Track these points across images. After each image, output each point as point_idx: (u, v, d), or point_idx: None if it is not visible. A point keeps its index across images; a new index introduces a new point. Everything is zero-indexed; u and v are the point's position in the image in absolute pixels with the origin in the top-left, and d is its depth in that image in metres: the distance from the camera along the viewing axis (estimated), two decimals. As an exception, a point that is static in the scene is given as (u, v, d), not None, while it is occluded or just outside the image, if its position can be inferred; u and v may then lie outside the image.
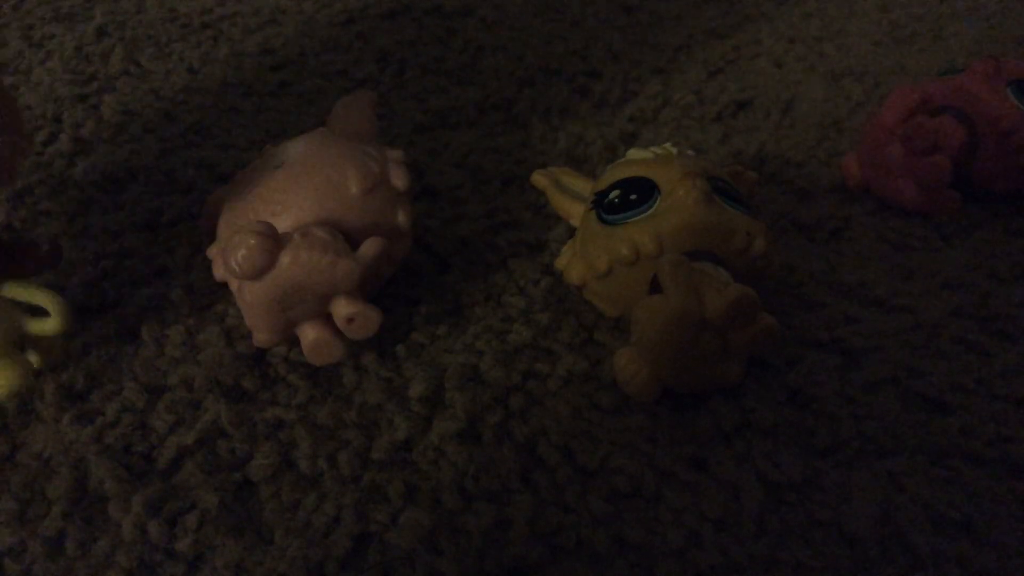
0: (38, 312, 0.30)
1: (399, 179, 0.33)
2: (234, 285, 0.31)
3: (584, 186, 0.38)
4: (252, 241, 0.28)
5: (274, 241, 0.29)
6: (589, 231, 0.34)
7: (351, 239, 0.31)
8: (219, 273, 0.32)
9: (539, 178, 0.39)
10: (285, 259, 0.29)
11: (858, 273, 0.38)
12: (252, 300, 0.30)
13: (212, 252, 0.33)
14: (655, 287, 0.31)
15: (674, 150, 0.36)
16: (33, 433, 0.29)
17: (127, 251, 0.38)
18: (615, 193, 0.33)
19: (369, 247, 0.31)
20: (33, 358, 0.31)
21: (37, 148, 0.45)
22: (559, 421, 0.30)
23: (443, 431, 0.30)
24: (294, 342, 0.32)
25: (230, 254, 0.29)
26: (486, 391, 0.31)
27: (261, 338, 0.31)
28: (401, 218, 0.33)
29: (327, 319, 0.31)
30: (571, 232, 0.37)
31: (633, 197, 0.33)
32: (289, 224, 0.31)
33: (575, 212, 0.37)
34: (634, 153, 0.37)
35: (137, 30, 0.57)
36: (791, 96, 0.53)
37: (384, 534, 0.27)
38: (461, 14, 0.62)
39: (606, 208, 0.33)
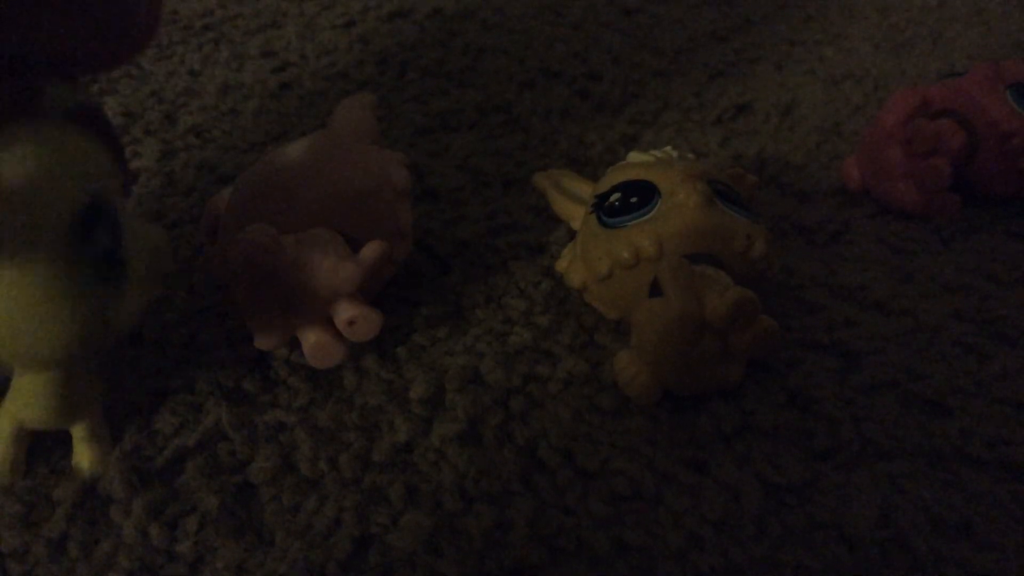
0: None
1: (400, 181, 0.34)
2: (235, 288, 0.31)
3: (585, 188, 0.38)
4: (253, 244, 0.29)
5: (275, 244, 0.29)
6: (589, 234, 0.34)
7: (352, 241, 0.32)
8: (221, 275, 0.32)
9: (540, 180, 0.40)
10: (286, 262, 0.29)
11: (858, 276, 0.38)
12: (253, 303, 0.30)
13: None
14: (655, 290, 0.31)
15: (674, 153, 0.37)
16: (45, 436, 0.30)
17: (128, 253, 0.38)
18: (615, 196, 0.34)
19: (370, 250, 0.31)
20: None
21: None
22: (559, 423, 0.30)
23: (444, 433, 0.30)
24: (295, 344, 0.32)
25: (231, 257, 0.29)
26: (487, 393, 0.31)
27: (262, 341, 0.31)
28: (402, 220, 0.33)
29: (328, 321, 0.31)
30: (572, 235, 0.38)
31: (633, 200, 0.33)
32: (290, 226, 0.31)
33: (576, 214, 0.37)
34: (634, 156, 0.37)
35: (138, 32, 0.57)
36: (791, 99, 0.53)
37: (385, 536, 0.27)
38: (462, 17, 0.62)
39: (606, 211, 0.33)
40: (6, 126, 0.20)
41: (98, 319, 0.22)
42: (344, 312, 0.30)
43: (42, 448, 0.29)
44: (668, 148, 0.37)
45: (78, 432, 0.28)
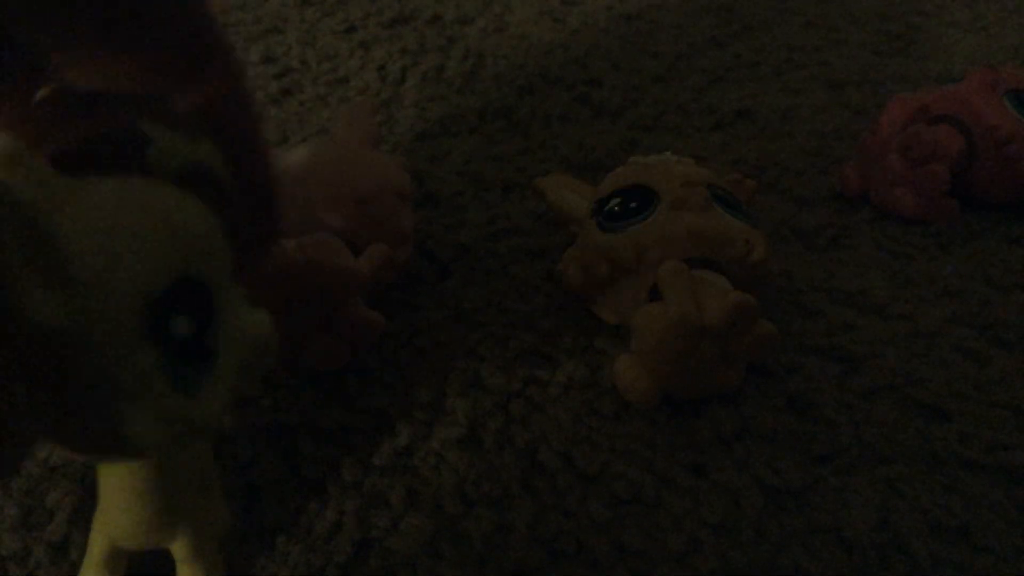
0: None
1: (401, 186, 0.34)
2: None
3: (584, 193, 0.38)
4: (255, 248, 0.29)
5: (277, 248, 0.29)
6: (589, 238, 0.34)
7: (353, 245, 0.32)
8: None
9: (540, 185, 0.40)
10: (288, 266, 0.29)
11: (857, 280, 0.38)
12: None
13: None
14: (655, 294, 0.31)
15: (674, 158, 0.37)
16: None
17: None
18: (615, 201, 0.34)
19: (372, 254, 0.31)
20: None
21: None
22: (560, 427, 0.30)
23: (444, 437, 0.30)
24: (298, 348, 0.32)
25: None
26: (487, 397, 0.31)
27: (263, 344, 0.31)
28: (403, 225, 0.34)
29: (330, 325, 0.31)
30: (572, 239, 0.38)
31: (633, 205, 0.33)
32: (292, 231, 0.31)
33: (575, 219, 0.37)
34: (634, 161, 0.37)
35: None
36: (790, 104, 0.53)
37: (385, 540, 0.27)
38: (461, 23, 0.62)
39: (606, 215, 0.34)
40: (88, 184, 0.17)
41: (167, 418, 0.18)
42: (346, 316, 0.31)
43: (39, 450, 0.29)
44: (668, 153, 0.37)
45: (178, 551, 0.24)
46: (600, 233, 0.33)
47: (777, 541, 0.27)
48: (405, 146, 0.48)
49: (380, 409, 0.31)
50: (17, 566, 0.26)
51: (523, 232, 0.41)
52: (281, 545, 0.27)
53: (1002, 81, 0.41)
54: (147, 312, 0.16)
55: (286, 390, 0.32)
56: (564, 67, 0.56)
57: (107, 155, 0.18)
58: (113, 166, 0.18)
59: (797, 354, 0.34)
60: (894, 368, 0.33)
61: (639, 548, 0.26)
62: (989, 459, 0.29)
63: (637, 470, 0.29)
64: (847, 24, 0.65)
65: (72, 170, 0.17)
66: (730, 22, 0.64)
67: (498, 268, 0.38)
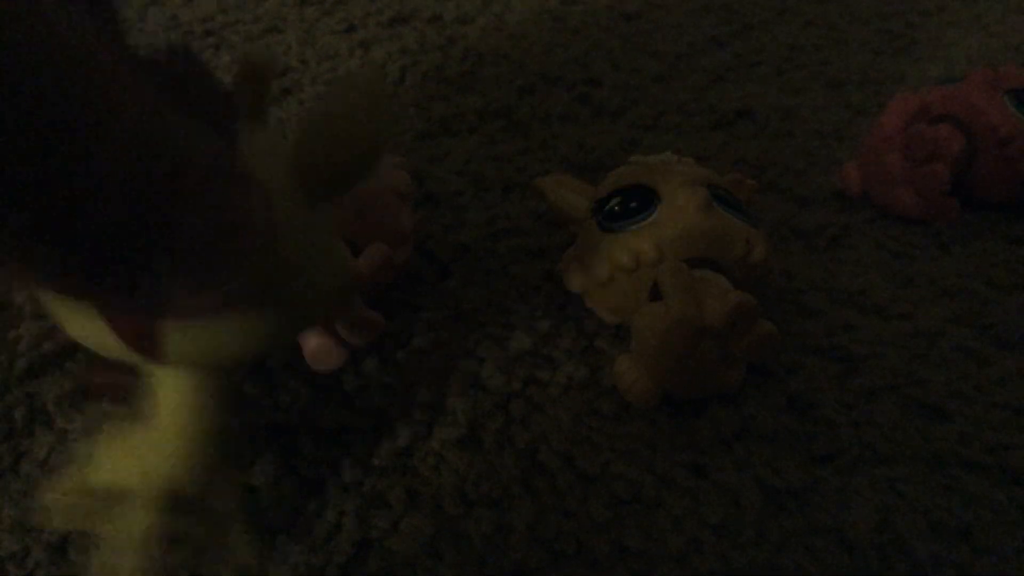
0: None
1: (400, 186, 0.34)
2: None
3: (585, 193, 0.38)
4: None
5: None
6: (589, 238, 0.34)
7: (353, 245, 0.32)
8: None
9: (540, 185, 0.40)
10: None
11: (857, 280, 0.38)
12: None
13: None
14: (655, 294, 0.31)
15: (674, 158, 0.37)
16: (39, 440, 0.30)
17: (130, 257, 0.38)
18: (615, 201, 0.34)
19: (372, 254, 0.31)
20: None
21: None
22: (560, 427, 0.30)
23: (444, 437, 0.30)
24: (296, 348, 0.32)
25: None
26: (487, 397, 0.31)
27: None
28: (402, 224, 0.34)
29: (329, 325, 0.31)
30: (572, 239, 0.38)
31: (633, 205, 0.33)
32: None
33: (576, 219, 0.37)
34: (634, 161, 0.37)
35: (139, 38, 0.58)
36: (791, 104, 0.53)
37: (385, 540, 0.27)
38: (461, 22, 0.62)
39: (606, 216, 0.34)
40: None
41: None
42: (346, 316, 0.30)
43: (38, 450, 0.29)
44: (668, 153, 0.37)
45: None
46: (600, 233, 0.33)
47: (777, 542, 0.27)
48: (405, 145, 0.48)
49: (380, 409, 0.31)
50: (16, 567, 0.26)
51: (523, 232, 0.41)
52: (281, 546, 0.26)
53: (1002, 81, 0.41)
54: None
55: (286, 390, 0.32)
56: (564, 67, 0.56)
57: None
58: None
59: (797, 354, 0.34)
60: (894, 368, 0.33)
61: (639, 548, 0.26)
62: (990, 459, 0.29)
63: (637, 470, 0.29)
64: (847, 24, 0.64)
65: None
66: (730, 22, 0.64)
67: (498, 268, 0.38)
